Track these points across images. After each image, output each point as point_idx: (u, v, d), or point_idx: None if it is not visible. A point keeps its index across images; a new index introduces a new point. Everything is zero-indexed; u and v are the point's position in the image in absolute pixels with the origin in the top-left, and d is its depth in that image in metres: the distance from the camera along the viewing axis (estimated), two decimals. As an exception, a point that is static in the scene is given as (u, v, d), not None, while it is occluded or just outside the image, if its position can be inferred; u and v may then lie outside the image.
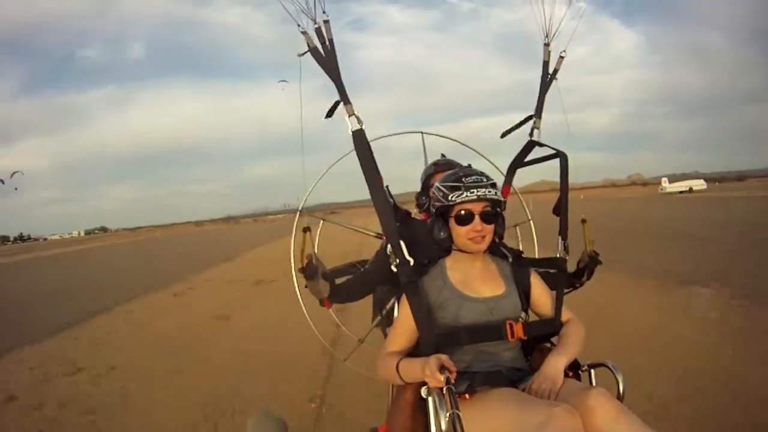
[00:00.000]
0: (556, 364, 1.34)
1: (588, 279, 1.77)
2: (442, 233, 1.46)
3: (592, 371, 1.42)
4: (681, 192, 47.36)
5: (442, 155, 2.11)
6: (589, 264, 1.74)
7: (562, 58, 1.80)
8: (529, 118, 1.81)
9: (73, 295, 9.49)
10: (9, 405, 3.54)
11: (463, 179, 1.44)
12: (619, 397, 1.29)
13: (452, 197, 1.42)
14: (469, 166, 1.67)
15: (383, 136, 1.98)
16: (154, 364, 4.24)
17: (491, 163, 2.07)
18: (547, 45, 1.79)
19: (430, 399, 1.23)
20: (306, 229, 1.60)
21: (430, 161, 2.22)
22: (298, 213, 1.78)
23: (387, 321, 1.92)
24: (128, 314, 6.89)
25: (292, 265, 1.69)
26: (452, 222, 1.45)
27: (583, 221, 1.78)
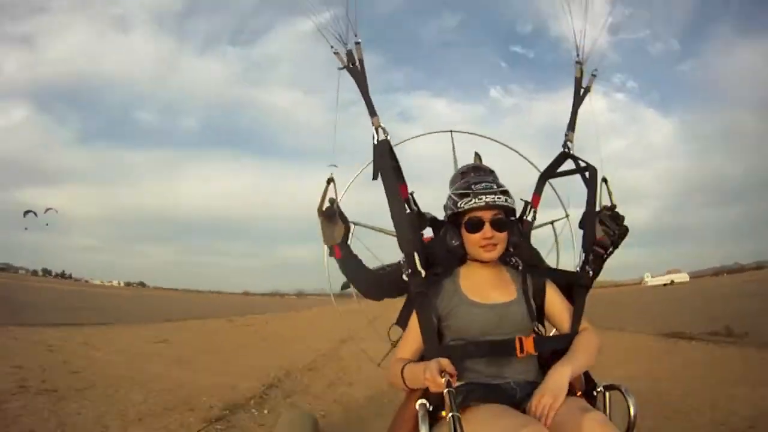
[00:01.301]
0: (558, 377, 1.26)
1: (615, 248, 1.53)
2: (454, 241, 1.45)
3: (607, 393, 1.39)
4: (665, 285, 48.80)
5: (476, 153, 2.11)
6: (611, 227, 1.50)
7: (593, 76, 1.81)
8: (565, 136, 1.77)
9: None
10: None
11: (473, 186, 1.42)
12: (630, 422, 1.28)
13: (461, 204, 1.40)
14: (493, 172, 1.69)
15: (410, 138, 2.02)
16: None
17: (527, 159, 2.05)
18: (578, 63, 1.80)
19: (419, 411, 1.22)
20: (330, 180, 1.62)
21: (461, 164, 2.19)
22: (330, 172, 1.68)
23: None
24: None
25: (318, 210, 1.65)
26: (463, 230, 1.42)
27: (604, 180, 1.61)
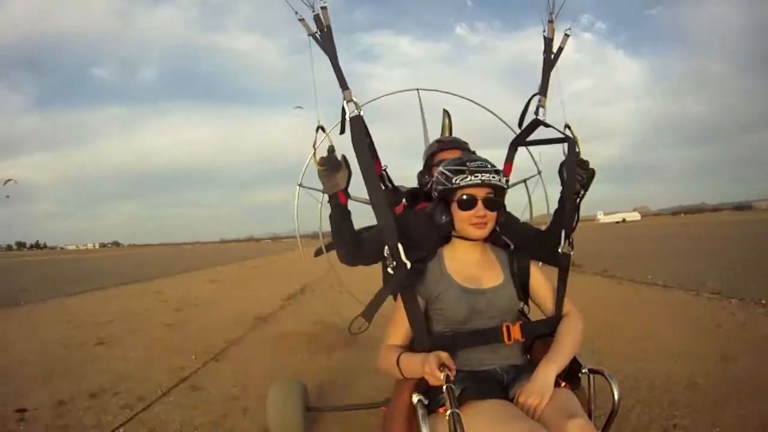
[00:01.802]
0: (545, 376, 1.29)
1: (585, 191, 1.60)
2: (444, 217, 1.44)
3: (591, 377, 1.42)
4: (617, 222, 53.57)
5: (444, 111, 2.07)
6: (579, 173, 1.57)
7: (567, 36, 1.72)
8: (533, 97, 1.70)
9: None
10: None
11: (468, 163, 1.41)
12: (615, 406, 1.32)
13: (456, 180, 1.39)
14: (474, 153, 1.65)
15: (376, 98, 1.95)
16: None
17: (496, 115, 2.02)
18: (551, 22, 1.69)
19: (419, 408, 1.22)
20: (320, 127, 1.54)
21: (428, 121, 2.19)
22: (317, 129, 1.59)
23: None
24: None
25: (307, 165, 1.68)
26: (454, 206, 1.42)
27: (567, 126, 1.61)
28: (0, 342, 4.99)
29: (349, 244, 1.61)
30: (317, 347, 4.19)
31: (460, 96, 2.12)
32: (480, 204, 1.41)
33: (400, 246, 1.38)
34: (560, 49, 1.70)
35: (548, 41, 1.69)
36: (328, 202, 1.57)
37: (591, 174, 1.60)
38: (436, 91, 2.14)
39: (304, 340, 4.47)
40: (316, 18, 1.49)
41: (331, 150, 1.54)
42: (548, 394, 1.27)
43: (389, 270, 1.40)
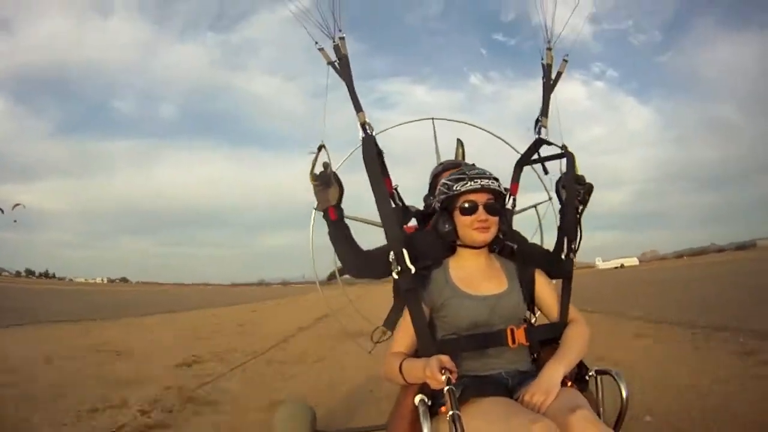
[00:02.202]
0: (552, 375, 1.29)
1: (584, 206, 1.61)
2: (447, 226, 1.47)
3: (599, 378, 1.41)
4: (615, 268, 53.63)
5: (458, 140, 2.11)
6: (576, 188, 1.59)
7: (565, 61, 1.83)
8: (537, 121, 1.80)
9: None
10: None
11: (468, 172, 1.47)
12: (623, 405, 1.33)
13: (457, 187, 1.44)
14: (473, 164, 1.67)
15: (391, 127, 2.03)
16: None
17: (508, 144, 2.06)
18: (549, 49, 1.81)
19: (420, 408, 1.23)
20: (321, 147, 1.56)
21: (442, 151, 2.22)
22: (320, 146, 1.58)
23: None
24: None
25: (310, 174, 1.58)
26: (457, 214, 1.46)
27: (564, 146, 1.67)
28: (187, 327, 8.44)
29: (349, 252, 1.63)
30: (342, 338, 7.06)
31: (473, 125, 2.21)
32: (481, 209, 1.43)
33: (405, 251, 1.42)
34: (559, 74, 1.81)
35: (547, 67, 1.81)
36: (323, 218, 1.62)
37: (588, 188, 1.62)
38: (449, 120, 2.22)
39: (332, 336, 7.56)
40: (336, 48, 1.59)
41: (326, 167, 1.56)
42: (554, 393, 1.25)
43: (394, 275, 1.44)
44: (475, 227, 1.44)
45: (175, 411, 3.41)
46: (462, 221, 1.45)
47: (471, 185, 1.43)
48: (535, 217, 2.18)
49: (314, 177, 1.56)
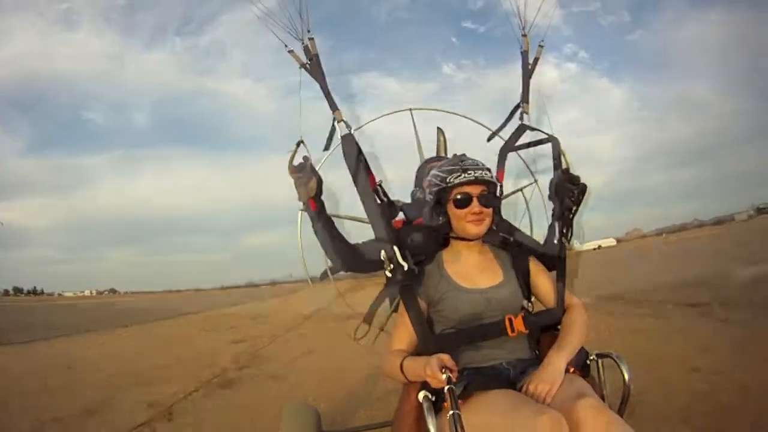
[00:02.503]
0: (555, 364, 1.30)
1: (577, 207, 1.61)
2: (440, 218, 1.47)
3: (600, 361, 1.42)
4: (594, 249, 56.26)
5: (438, 129, 2.10)
6: (570, 188, 1.59)
7: (541, 47, 1.87)
8: (516, 107, 1.84)
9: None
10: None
11: (460, 163, 1.46)
12: (626, 388, 1.34)
13: (450, 179, 1.43)
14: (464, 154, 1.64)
15: (370, 121, 2.00)
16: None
17: (489, 129, 2.06)
18: (524, 36, 1.86)
19: (424, 405, 1.24)
20: (300, 142, 1.54)
21: (423, 142, 2.22)
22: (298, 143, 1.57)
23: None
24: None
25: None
26: (450, 206, 1.45)
27: (553, 137, 1.69)
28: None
29: (335, 245, 1.57)
30: (340, 321, 8.57)
31: (452, 113, 2.18)
32: (475, 201, 1.43)
33: (396, 248, 1.42)
34: (536, 60, 1.86)
35: (525, 54, 1.86)
36: (302, 209, 1.59)
37: (582, 189, 1.59)
38: (428, 109, 2.17)
39: (331, 319, 9.35)
40: (305, 49, 1.60)
41: (306, 160, 1.53)
42: (558, 382, 1.26)
43: (387, 273, 1.44)
44: (469, 219, 1.44)
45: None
46: (456, 213, 1.45)
47: (465, 177, 1.43)
48: (521, 201, 2.16)
49: (293, 169, 1.53)
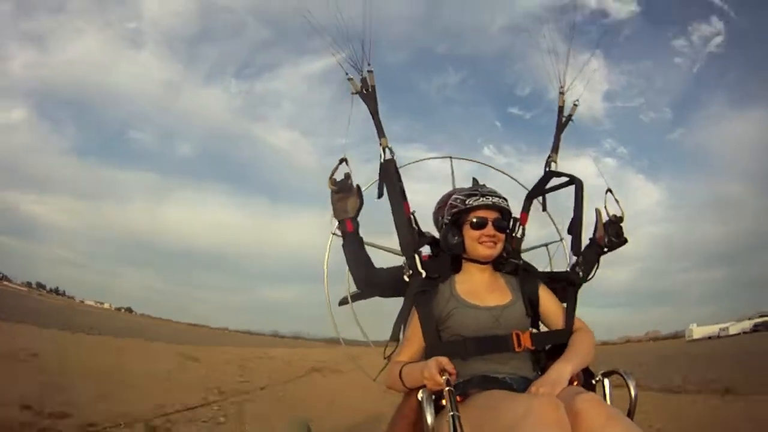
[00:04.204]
0: (560, 370, 1.32)
1: (610, 248, 1.69)
2: (455, 238, 1.53)
3: (606, 380, 1.42)
4: None
5: (474, 179, 2.16)
6: (610, 233, 1.67)
7: (575, 105, 1.99)
8: (548, 157, 1.92)
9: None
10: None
11: (479, 189, 1.59)
12: (632, 404, 1.32)
13: (469, 201, 1.53)
14: (484, 184, 1.73)
15: (412, 162, 2.12)
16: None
17: (519, 183, 2.14)
18: (561, 93, 1.97)
19: (424, 401, 1.24)
20: (343, 159, 1.61)
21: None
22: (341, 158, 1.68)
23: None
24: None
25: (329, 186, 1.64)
26: (466, 228, 1.53)
27: (609, 191, 1.75)
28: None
29: (361, 267, 1.63)
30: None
31: (489, 165, 2.28)
32: (490, 224, 1.51)
33: (416, 256, 1.51)
34: (570, 116, 1.98)
35: (560, 109, 1.97)
36: (338, 227, 1.63)
37: (622, 241, 1.68)
38: (468, 160, 2.26)
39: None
40: (363, 80, 1.70)
41: (348, 176, 1.58)
42: (560, 386, 1.27)
43: (405, 278, 1.52)
44: (482, 241, 1.52)
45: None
46: (471, 235, 1.54)
47: (483, 201, 1.52)
48: (544, 255, 2.19)
49: (333, 182, 1.55)
